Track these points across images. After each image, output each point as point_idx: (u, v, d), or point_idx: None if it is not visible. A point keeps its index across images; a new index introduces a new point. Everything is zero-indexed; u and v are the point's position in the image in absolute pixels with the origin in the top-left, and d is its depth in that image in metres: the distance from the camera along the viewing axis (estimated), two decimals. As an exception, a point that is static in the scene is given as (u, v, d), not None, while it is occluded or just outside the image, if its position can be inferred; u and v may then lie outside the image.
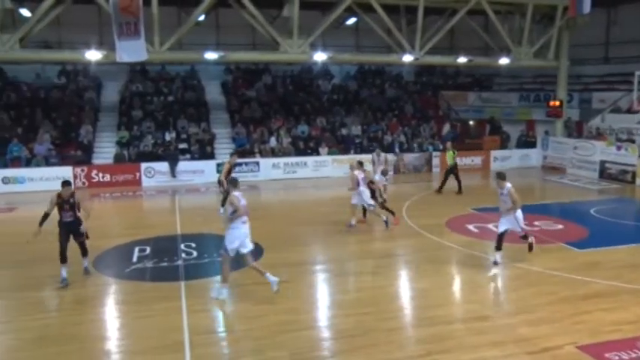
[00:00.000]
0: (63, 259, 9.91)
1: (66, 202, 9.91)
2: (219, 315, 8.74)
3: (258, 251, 11.79)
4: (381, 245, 12.86)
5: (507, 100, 31.13)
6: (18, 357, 7.29)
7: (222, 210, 13.68)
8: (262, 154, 24.22)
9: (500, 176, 10.66)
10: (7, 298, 9.62)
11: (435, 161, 25.61)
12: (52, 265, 10.24)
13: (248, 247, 9.07)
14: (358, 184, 13.66)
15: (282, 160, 23.81)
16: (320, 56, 22.65)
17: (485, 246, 12.19)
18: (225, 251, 9.04)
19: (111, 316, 8.94)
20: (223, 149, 24.74)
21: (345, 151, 25.10)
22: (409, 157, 25.63)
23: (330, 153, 24.68)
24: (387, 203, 14.64)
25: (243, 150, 24.00)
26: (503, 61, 24.75)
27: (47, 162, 21.92)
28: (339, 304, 9.13)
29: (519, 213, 10.55)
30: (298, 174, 23.34)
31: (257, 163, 23.42)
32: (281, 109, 27.18)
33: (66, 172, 20.98)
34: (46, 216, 9.77)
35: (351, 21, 26.92)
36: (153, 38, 19.78)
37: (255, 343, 7.51)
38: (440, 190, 19.63)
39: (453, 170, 19.48)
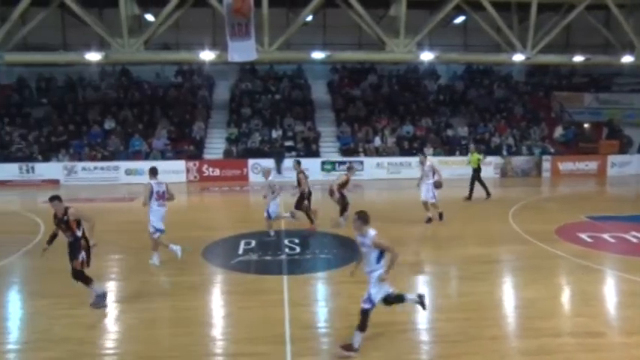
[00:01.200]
0: (87, 279, 8.73)
1: (60, 220, 8.41)
2: (321, 311, 8.89)
3: (356, 250, 11.89)
4: (484, 250, 12.46)
5: (629, 102, 29.08)
6: (136, 335, 7.83)
7: (342, 220, 13.72)
8: (366, 154, 24.29)
9: (362, 217, 7.12)
10: (129, 280, 10.43)
11: (546, 165, 24.45)
12: (163, 252, 10.91)
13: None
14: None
15: (386, 160, 23.78)
16: (427, 56, 22.35)
17: (600, 257, 11.46)
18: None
19: (217, 304, 9.36)
20: (328, 147, 25.12)
21: (451, 153, 24.59)
22: (517, 161, 24.67)
23: (435, 154, 24.28)
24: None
25: (347, 149, 24.26)
26: (627, 59, 23.11)
27: (163, 156, 23.38)
28: (439, 307, 8.96)
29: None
30: (402, 174, 23.19)
31: (361, 162, 23.52)
32: (386, 109, 27.11)
33: (180, 165, 22.32)
34: (54, 236, 8.63)
35: (459, 19, 26.31)
36: (262, 38, 20.44)
37: (354, 341, 7.55)
38: (469, 197, 18.62)
39: (475, 174, 18.57)
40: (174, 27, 23.34)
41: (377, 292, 7.14)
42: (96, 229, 8.57)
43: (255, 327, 8.01)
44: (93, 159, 23.38)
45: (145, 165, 22.36)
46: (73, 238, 8.43)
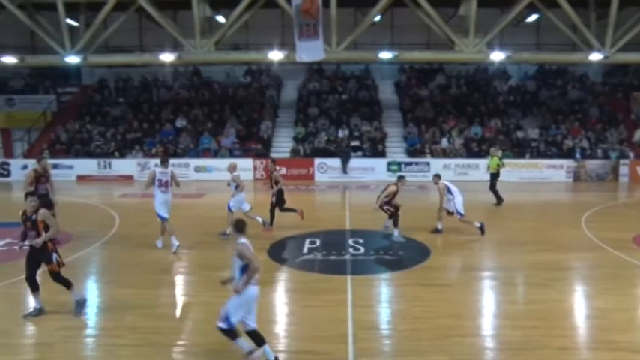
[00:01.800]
0: (67, 282, 8.47)
1: (28, 219, 8.22)
2: (384, 312, 8.88)
3: (424, 252, 11.80)
4: (555, 256, 12.03)
5: None
6: (202, 328, 8.08)
7: (396, 231, 13.19)
8: (433, 155, 23.99)
9: (235, 226, 6.94)
10: (196, 275, 10.78)
11: (623, 170, 23.33)
12: (227, 250, 11.18)
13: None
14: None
15: (453, 162, 23.39)
16: (497, 56, 21.80)
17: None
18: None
19: (281, 301, 9.51)
20: (394, 148, 24.99)
21: (520, 155, 23.91)
22: (592, 165, 23.66)
23: (503, 156, 23.61)
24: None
25: (414, 150, 24.06)
26: None
27: (231, 154, 23.95)
28: (506, 314, 8.76)
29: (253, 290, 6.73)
30: (469, 176, 22.70)
31: (427, 164, 23.26)
32: (454, 110, 26.67)
33: (247, 163, 22.82)
34: (24, 234, 8.49)
35: (532, 18, 25.45)
36: (330, 39, 20.54)
37: (417, 344, 7.50)
38: (498, 203, 17.71)
39: (493, 180, 17.70)
40: (244, 28, 23.81)
41: (235, 311, 6.59)
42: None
43: (318, 325, 8.09)
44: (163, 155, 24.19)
45: (214, 163, 23.22)
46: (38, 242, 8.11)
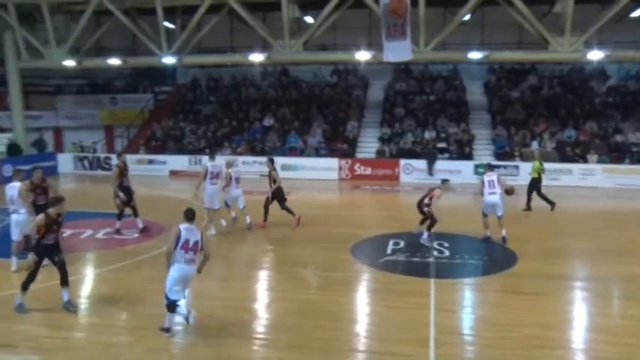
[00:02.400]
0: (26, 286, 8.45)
1: (55, 222, 8.43)
2: (467, 318, 8.70)
3: (511, 259, 11.44)
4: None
5: None
6: (282, 322, 8.28)
7: (425, 234, 12.53)
8: (522, 158, 23.16)
9: (186, 214, 7.68)
10: (279, 271, 11.02)
11: None
12: (311, 247, 11.36)
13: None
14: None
15: (544, 166, 22.42)
16: (595, 55, 20.63)
17: None
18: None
19: (363, 301, 9.56)
20: (482, 150, 24.36)
21: (619, 160, 22.59)
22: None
23: (600, 161, 22.45)
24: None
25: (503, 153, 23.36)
26: None
27: (317, 153, 24.22)
28: (598, 327, 8.32)
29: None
30: (562, 181, 21.69)
31: (517, 167, 22.47)
32: (546, 112, 25.60)
33: (333, 163, 23.08)
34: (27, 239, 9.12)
35: (637, 12, 23.90)
36: (418, 39, 20.29)
37: (501, 353, 7.30)
38: (528, 208, 16.69)
39: (533, 185, 16.65)
40: (332, 28, 23.96)
41: (169, 289, 7.53)
42: None
43: (400, 327, 8.06)
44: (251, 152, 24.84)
45: (300, 161, 23.59)
46: (55, 241, 8.46)
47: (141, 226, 13.42)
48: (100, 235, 13.44)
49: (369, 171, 23.30)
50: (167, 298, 7.54)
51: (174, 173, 24.77)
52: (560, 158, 22.94)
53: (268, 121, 26.77)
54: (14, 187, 10.52)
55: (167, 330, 7.69)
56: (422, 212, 12.75)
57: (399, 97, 27.45)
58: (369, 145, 25.33)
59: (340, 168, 23.34)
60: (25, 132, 25.60)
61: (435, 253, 11.93)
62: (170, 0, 21.72)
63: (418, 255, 11.74)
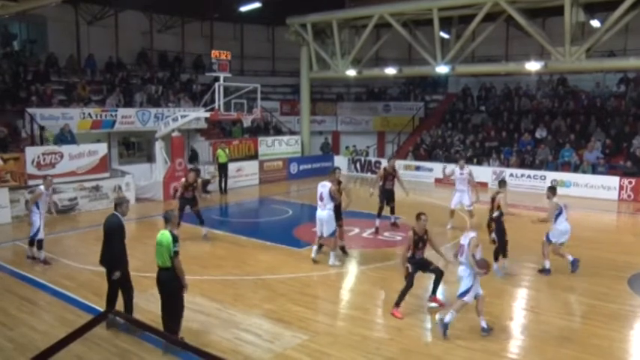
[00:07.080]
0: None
1: (190, 185, 13.50)
2: None
3: None
4: None
5: None
6: (542, 348, 7.85)
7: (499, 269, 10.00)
8: None
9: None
10: (541, 292, 10.42)
11: None
12: (579, 272, 10.47)
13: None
14: None
15: None
16: None
17: None
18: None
19: (637, 338, 8.51)
20: None
21: None
22: None
23: None
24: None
25: None
26: None
27: (594, 170, 22.09)
28: None
29: None
30: None
31: None
32: None
33: (613, 182, 20.82)
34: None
35: None
36: None
37: None
38: None
39: None
40: (623, 31, 21.65)
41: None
42: None
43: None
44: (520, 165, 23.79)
45: (573, 177, 21.77)
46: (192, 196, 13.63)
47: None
48: (365, 235, 14.58)
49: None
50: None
51: (438, 181, 25.07)
52: None
53: (540, 133, 25.33)
54: (325, 186, 11.67)
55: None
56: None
57: None
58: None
59: (622, 187, 20.85)
60: (309, 135, 28.85)
61: None
62: (447, 10, 22.13)
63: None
